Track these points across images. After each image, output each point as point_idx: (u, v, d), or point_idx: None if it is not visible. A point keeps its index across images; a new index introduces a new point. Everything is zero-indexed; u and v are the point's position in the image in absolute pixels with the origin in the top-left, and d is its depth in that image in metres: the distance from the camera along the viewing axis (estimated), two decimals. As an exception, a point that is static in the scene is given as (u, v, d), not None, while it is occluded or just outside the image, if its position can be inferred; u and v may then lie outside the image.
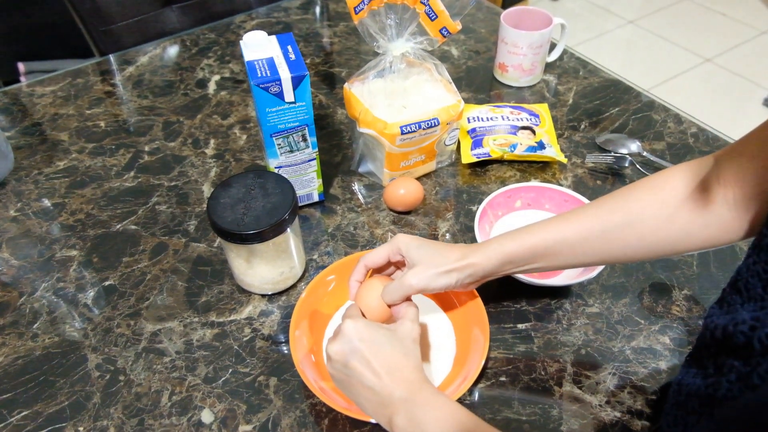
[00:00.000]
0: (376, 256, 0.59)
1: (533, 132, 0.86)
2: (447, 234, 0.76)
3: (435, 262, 0.55)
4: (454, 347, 0.62)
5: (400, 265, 0.61)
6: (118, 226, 0.77)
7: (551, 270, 0.63)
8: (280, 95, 0.65)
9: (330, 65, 1.05)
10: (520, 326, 0.65)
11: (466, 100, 0.94)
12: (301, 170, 0.74)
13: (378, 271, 0.61)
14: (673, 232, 0.51)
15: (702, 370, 0.46)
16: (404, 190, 0.76)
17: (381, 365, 0.49)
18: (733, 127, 2.07)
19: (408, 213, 0.78)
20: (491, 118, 0.88)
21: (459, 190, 0.82)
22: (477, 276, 0.56)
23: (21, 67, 1.66)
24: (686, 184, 0.51)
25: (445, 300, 0.65)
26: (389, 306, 0.56)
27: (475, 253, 0.56)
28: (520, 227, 0.57)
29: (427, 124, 0.74)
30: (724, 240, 0.50)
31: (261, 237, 0.60)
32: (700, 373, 0.46)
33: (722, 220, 0.49)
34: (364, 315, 0.56)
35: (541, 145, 0.84)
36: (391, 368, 0.49)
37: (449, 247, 0.57)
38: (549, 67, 1.02)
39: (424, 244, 0.57)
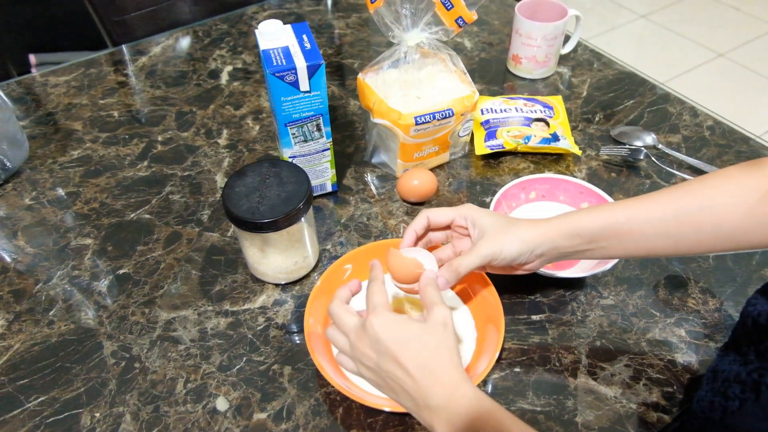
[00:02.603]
0: (442, 214, 0.58)
1: (547, 124, 0.86)
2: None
3: (505, 231, 0.54)
4: (474, 341, 0.61)
5: (454, 233, 0.60)
6: (131, 215, 0.77)
7: (617, 257, 0.60)
8: (295, 84, 0.64)
9: (342, 56, 1.05)
10: (534, 317, 0.65)
11: (480, 92, 0.93)
12: (314, 160, 0.74)
13: (432, 230, 0.60)
14: (752, 224, 0.49)
15: (741, 356, 0.46)
16: (417, 181, 0.76)
17: (412, 365, 0.46)
18: (746, 123, 2.06)
19: (421, 204, 0.78)
20: (505, 110, 0.88)
21: (472, 182, 0.81)
22: (545, 248, 0.54)
23: (32, 58, 1.67)
24: None
25: (463, 293, 0.65)
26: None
27: (544, 224, 0.55)
28: (590, 206, 0.56)
29: (442, 114, 0.74)
30: None
31: (276, 226, 0.60)
32: (739, 360, 0.46)
33: None
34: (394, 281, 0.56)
35: (555, 137, 0.83)
36: (423, 367, 0.46)
37: (517, 219, 0.57)
38: (563, 59, 1.01)
39: (493, 214, 0.57)
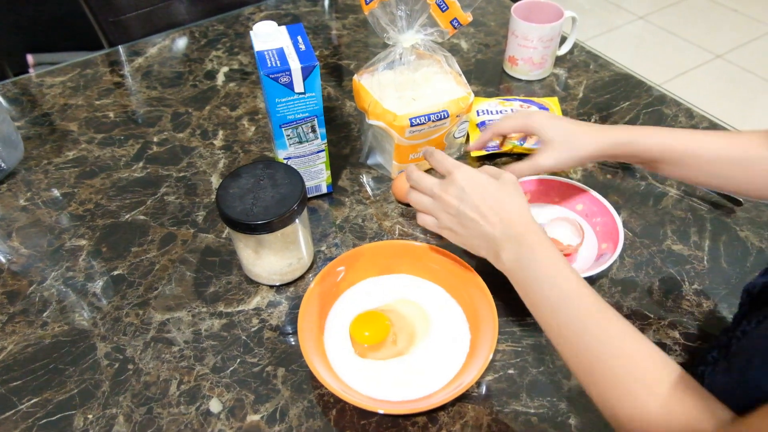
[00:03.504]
0: (507, 126, 0.69)
1: (543, 125, 0.86)
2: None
3: (566, 148, 0.63)
4: (468, 343, 0.61)
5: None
6: (126, 216, 0.77)
7: (668, 175, 0.68)
8: (289, 86, 0.64)
9: (338, 57, 1.05)
10: (528, 319, 0.65)
11: (476, 94, 0.93)
12: (309, 162, 0.74)
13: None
14: None
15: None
16: (413, 183, 0.76)
17: (489, 207, 0.55)
18: (743, 125, 2.06)
19: (416, 205, 0.78)
20: (501, 111, 0.88)
21: (468, 183, 0.81)
22: (598, 159, 0.66)
23: (30, 58, 1.67)
24: None
25: (457, 294, 0.65)
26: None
27: (604, 140, 0.62)
28: (653, 127, 0.63)
29: (437, 116, 0.74)
30: None
31: (270, 227, 0.60)
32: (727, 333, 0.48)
33: None
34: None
35: (550, 139, 0.83)
36: (497, 209, 0.55)
37: (581, 129, 0.64)
38: (559, 61, 1.01)
39: (557, 126, 0.64)
